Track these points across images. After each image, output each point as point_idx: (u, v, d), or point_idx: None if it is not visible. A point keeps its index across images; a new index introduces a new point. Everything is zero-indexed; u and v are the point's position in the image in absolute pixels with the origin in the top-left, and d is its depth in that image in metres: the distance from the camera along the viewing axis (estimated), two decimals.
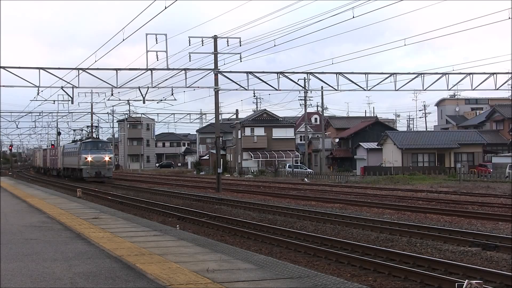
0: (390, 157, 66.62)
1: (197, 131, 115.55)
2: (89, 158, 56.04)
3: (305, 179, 58.25)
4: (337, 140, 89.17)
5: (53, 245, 11.50)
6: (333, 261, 13.31)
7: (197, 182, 55.61)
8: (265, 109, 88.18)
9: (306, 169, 77.18)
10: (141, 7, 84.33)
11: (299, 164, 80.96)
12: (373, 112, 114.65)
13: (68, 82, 34.49)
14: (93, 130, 63.34)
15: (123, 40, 32.59)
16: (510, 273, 10.99)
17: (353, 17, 30.04)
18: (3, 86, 33.94)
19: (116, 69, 34.13)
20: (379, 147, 70.85)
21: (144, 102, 38.29)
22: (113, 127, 76.67)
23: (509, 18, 29.38)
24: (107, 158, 57.06)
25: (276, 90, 36.19)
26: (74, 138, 69.14)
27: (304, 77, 41.41)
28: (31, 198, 26.03)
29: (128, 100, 66.07)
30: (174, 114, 67.57)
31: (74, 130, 71.61)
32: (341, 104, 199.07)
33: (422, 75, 37.25)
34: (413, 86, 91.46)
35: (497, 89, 37.83)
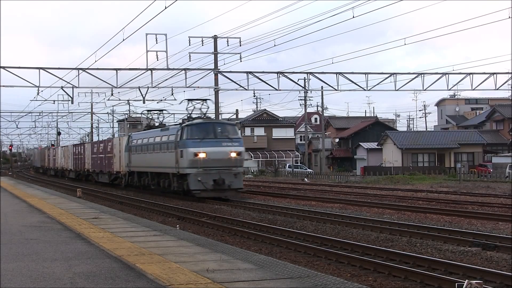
0: (390, 157, 66.63)
1: None
2: (202, 155, 30.40)
3: (305, 179, 58.25)
4: (337, 140, 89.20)
5: (53, 245, 11.50)
6: (333, 261, 13.30)
7: None
8: (265, 109, 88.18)
9: (306, 169, 77.19)
10: (141, 7, 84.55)
11: (299, 164, 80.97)
12: (373, 112, 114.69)
13: (68, 82, 34.51)
14: (202, 104, 34.63)
15: (123, 40, 32.64)
16: (510, 273, 10.99)
17: (353, 17, 30.04)
18: (3, 86, 33.96)
19: (116, 69, 34.14)
20: (379, 147, 70.86)
21: (144, 102, 38.22)
22: (113, 127, 76.63)
23: (509, 17, 29.39)
24: (233, 155, 30.69)
25: (276, 90, 36.21)
26: (149, 122, 43.30)
27: (304, 77, 41.38)
28: (31, 198, 26.02)
29: (128, 100, 65.98)
30: (174, 114, 67.48)
31: (149, 111, 41.97)
32: (341, 104, 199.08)
33: (422, 75, 37.27)
34: (413, 86, 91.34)
35: (497, 89, 37.87)
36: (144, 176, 37.51)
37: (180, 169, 30.68)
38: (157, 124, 41.17)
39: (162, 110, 41.13)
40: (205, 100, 34.90)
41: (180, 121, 36.17)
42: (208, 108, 34.61)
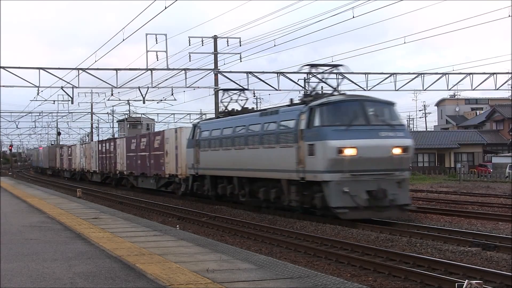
0: None
1: None
2: (351, 151, 19.12)
3: None
4: None
5: (53, 245, 11.51)
6: (333, 261, 13.31)
7: None
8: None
9: None
10: (141, 7, 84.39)
11: None
12: None
13: (68, 82, 34.50)
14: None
15: (123, 40, 32.58)
16: (510, 273, 10.99)
17: (353, 17, 30.00)
18: (3, 86, 33.88)
19: (116, 69, 34.13)
20: None
21: (144, 102, 38.19)
22: (113, 127, 76.61)
23: (509, 16, 29.37)
24: (397, 151, 19.61)
25: (276, 90, 36.19)
26: (226, 106, 29.21)
27: (304, 77, 41.39)
28: (31, 198, 26.03)
29: (128, 100, 65.93)
30: (174, 114, 67.54)
31: (225, 90, 30.38)
32: None
33: (422, 75, 37.26)
34: (413, 86, 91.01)
35: (497, 89, 37.86)
36: (223, 182, 26.60)
37: (308, 173, 19.71)
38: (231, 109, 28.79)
39: (243, 89, 30.65)
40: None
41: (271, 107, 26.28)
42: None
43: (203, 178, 28.43)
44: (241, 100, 28.78)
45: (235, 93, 29.04)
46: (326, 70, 24.47)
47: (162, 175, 34.56)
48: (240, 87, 30.09)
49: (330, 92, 22.36)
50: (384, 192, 18.97)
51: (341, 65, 23.33)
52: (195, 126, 29.90)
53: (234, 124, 25.66)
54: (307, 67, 22.90)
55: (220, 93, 29.89)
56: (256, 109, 29.64)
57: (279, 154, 21.57)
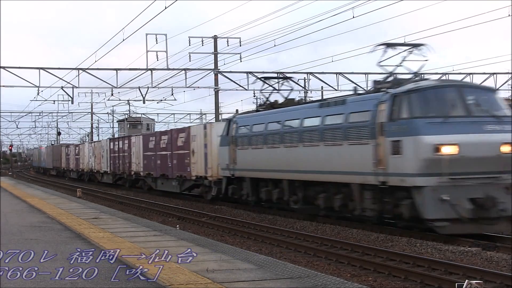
0: None
1: None
2: (450, 149, 15.41)
3: None
4: None
5: (53, 245, 11.51)
6: (333, 261, 13.31)
7: None
8: None
9: None
10: (141, 7, 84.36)
11: None
12: None
13: (68, 82, 34.50)
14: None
15: (123, 40, 32.56)
16: (510, 273, 10.99)
17: (353, 17, 29.98)
18: (3, 86, 33.88)
19: (116, 69, 34.12)
20: None
21: (144, 102, 38.18)
22: (113, 127, 76.61)
23: (509, 15, 29.34)
24: (507, 149, 15.70)
25: (276, 90, 36.17)
26: (267, 98, 25.75)
27: (304, 77, 41.38)
28: (31, 198, 26.02)
29: (128, 100, 65.88)
30: (174, 114, 67.51)
31: (265, 79, 28.41)
32: None
33: (422, 75, 37.23)
34: None
35: (497, 89, 37.85)
36: (267, 185, 22.91)
37: (391, 176, 16.28)
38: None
39: (287, 78, 28.29)
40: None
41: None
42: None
43: (240, 180, 24.57)
44: (285, 90, 25.51)
45: (277, 82, 25.91)
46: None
47: (188, 177, 30.93)
48: (282, 76, 26.74)
49: (409, 77, 18.43)
50: (492, 200, 15.20)
51: (422, 44, 18.60)
52: (230, 120, 25.80)
53: (283, 117, 21.84)
54: (383, 46, 18.55)
55: (258, 84, 26.74)
56: (304, 100, 26.12)
57: (348, 153, 17.96)
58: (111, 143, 47.43)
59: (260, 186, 23.35)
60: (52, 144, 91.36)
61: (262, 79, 25.63)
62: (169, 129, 41.97)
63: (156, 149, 36.27)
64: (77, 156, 59.91)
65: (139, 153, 39.50)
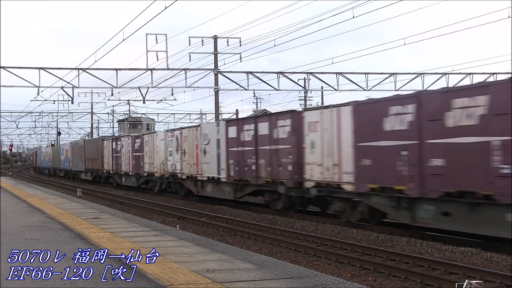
0: None
1: None
2: None
3: None
4: None
5: (53, 245, 11.50)
6: (333, 261, 13.32)
7: None
8: (265, 109, 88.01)
9: None
10: (141, 7, 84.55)
11: None
12: None
13: (68, 82, 34.50)
14: None
15: (123, 40, 32.56)
16: (510, 273, 11.00)
17: (353, 17, 30.00)
18: (3, 86, 33.90)
19: (116, 69, 34.12)
20: None
21: (144, 102, 38.23)
22: (113, 127, 76.60)
23: (509, 16, 29.37)
24: None
25: (276, 90, 36.20)
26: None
27: (304, 77, 41.43)
28: (31, 198, 26.01)
29: (128, 100, 65.93)
30: (174, 114, 67.53)
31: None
32: None
33: (422, 75, 37.27)
34: (413, 86, 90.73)
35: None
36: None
37: None
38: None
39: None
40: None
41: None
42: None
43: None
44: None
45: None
46: None
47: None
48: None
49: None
50: None
51: None
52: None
53: None
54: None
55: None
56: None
57: None
58: (134, 142, 40.14)
59: None
60: (84, 139, 66.07)
61: None
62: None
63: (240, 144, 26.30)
64: (137, 153, 39.93)
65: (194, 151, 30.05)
